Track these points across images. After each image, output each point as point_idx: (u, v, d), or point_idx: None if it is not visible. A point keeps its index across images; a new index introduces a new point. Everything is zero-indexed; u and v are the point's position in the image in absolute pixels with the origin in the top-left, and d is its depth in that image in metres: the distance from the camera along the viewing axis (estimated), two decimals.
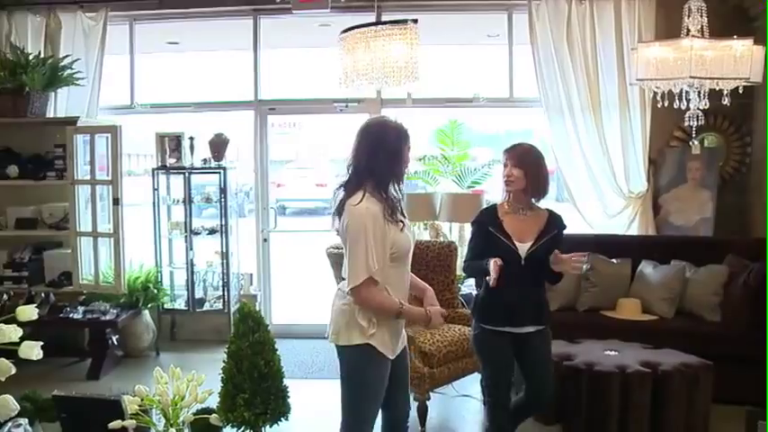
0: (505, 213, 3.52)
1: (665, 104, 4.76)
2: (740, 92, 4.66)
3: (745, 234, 6.09)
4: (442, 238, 5.78)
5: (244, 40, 6.68)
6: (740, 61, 4.49)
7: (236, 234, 6.72)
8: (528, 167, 3.42)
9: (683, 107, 4.74)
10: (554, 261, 3.35)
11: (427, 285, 3.07)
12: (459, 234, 5.80)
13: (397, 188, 2.88)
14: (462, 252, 4.60)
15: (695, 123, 4.79)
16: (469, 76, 7.68)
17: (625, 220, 6.21)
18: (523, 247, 3.43)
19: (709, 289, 5.23)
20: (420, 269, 4.99)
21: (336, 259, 4.75)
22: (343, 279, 2.87)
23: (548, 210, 3.60)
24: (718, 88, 4.66)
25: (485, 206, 3.98)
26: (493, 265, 3.27)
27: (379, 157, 2.78)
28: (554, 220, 3.55)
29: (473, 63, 7.76)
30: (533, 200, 3.50)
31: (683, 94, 4.72)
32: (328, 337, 2.93)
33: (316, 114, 7.77)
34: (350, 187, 2.82)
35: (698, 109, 4.75)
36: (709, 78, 4.46)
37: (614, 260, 5.54)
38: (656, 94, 4.79)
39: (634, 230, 6.19)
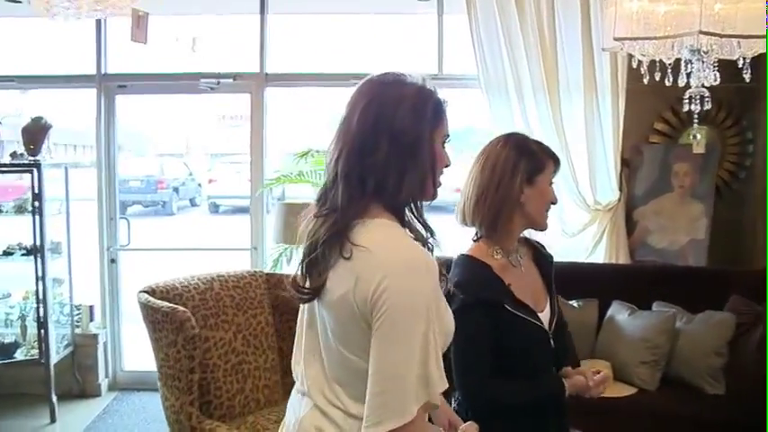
0: (501, 268, 2.10)
1: (651, 79, 3.16)
2: (744, 69, 3.07)
3: (741, 263, 4.56)
4: None
5: None
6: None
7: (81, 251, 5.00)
8: None
9: (679, 84, 3.16)
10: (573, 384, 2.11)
11: None
12: None
13: (419, 210, 1.56)
14: None
15: (699, 108, 3.19)
16: (390, 48, 6.07)
17: (589, 242, 4.62)
18: (545, 318, 2.14)
19: (708, 347, 3.68)
20: (286, 320, 3.37)
21: (152, 317, 3.04)
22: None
23: (523, 237, 2.22)
24: (733, 57, 3.10)
25: (458, 264, 2.15)
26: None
27: (392, 153, 1.44)
28: (540, 254, 2.28)
29: (396, 34, 6.14)
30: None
31: (682, 67, 3.13)
32: None
33: (177, 94, 6.01)
34: (339, 204, 1.46)
35: (703, 86, 3.16)
36: (730, 36, 2.86)
37: (574, 302, 3.94)
38: (638, 65, 3.18)
39: (600, 255, 4.60)
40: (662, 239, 4.60)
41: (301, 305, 1.61)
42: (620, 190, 4.62)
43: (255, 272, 3.55)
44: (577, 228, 4.62)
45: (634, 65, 3.16)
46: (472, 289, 1.98)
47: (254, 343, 3.33)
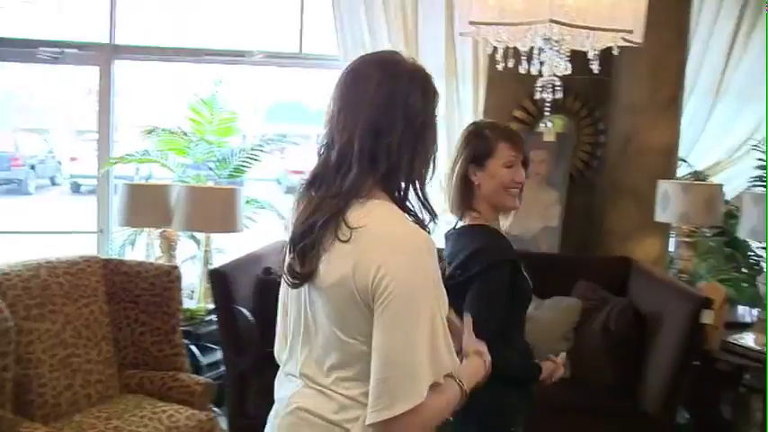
0: None
1: (508, 66, 3.14)
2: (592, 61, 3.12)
3: (591, 249, 4.69)
4: (172, 257, 3.85)
5: None
6: (618, 6, 2.96)
7: None
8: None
9: (533, 72, 3.15)
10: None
11: None
12: (205, 251, 3.87)
13: (423, 192, 1.50)
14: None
15: (550, 96, 3.21)
16: (249, 24, 5.82)
17: (445, 227, 4.59)
18: None
19: (555, 332, 3.74)
20: (124, 308, 3.14)
21: None
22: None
23: None
24: (584, 48, 3.12)
25: (465, 234, 2.27)
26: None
27: (406, 134, 1.43)
28: None
29: (256, 10, 5.89)
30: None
31: (535, 55, 3.12)
32: None
33: (11, 62, 5.49)
34: (346, 188, 1.41)
35: (555, 76, 3.17)
36: (579, 27, 2.87)
37: None
38: (494, 51, 3.15)
39: None
40: (517, 226, 4.60)
41: (282, 290, 1.58)
42: None
43: (90, 257, 3.26)
44: (437, 211, 4.58)
45: (489, 51, 3.12)
46: (498, 249, 2.15)
47: (87, 334, 3.06)
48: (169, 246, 3.83)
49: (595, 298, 3.89)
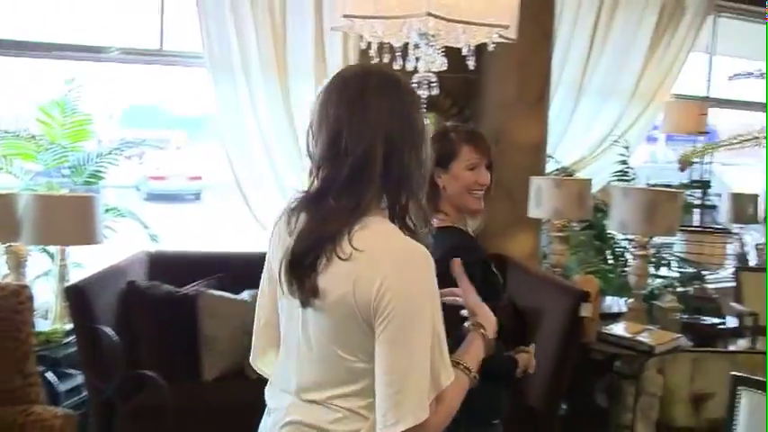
0: None
1: (383, 62, 3.03)
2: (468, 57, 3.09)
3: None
4: (21, 275, 3.46)
5: None
6: (494, 1, 2.93)
7: None
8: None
9: (409, 68, 3.06)
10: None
11: None
12: (61, 265, 3.49)
13: (421, 205, 1.49)
14: None
15: (426, 93, 3.13)
16: (105, 20, 5.42)
17: None
18: None
19: None
20: None
21: None
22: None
23: None
24: (458, 45, 3.07)
25: (458, 233, 2.21)
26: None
27: (411, 149, 1.45)
28: None
29: (113, 4, 5.50)
30: None
31: (410, 51, 3.04)
32: None
33: None
34: (361, 202, 1.40)
35: (431, 72, 3.10)
36: (456, 22, 2.80)
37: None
38: (368, 46, 3.03)
39: None
40: None
41: (263, 302, 1.63)
42: None
43: None
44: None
45: (363, 46, 3.00)
46: (470, 249, 2.06)
47: None
48: (18, 262, 3.44)
49: None
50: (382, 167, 1.40)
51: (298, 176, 4.24)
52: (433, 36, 2.99)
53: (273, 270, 1.51)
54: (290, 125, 4.21)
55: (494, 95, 4.60)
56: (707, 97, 6.23)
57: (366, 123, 1.41)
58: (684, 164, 5.29)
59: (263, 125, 4.18)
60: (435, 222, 2.16)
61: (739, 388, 2.38)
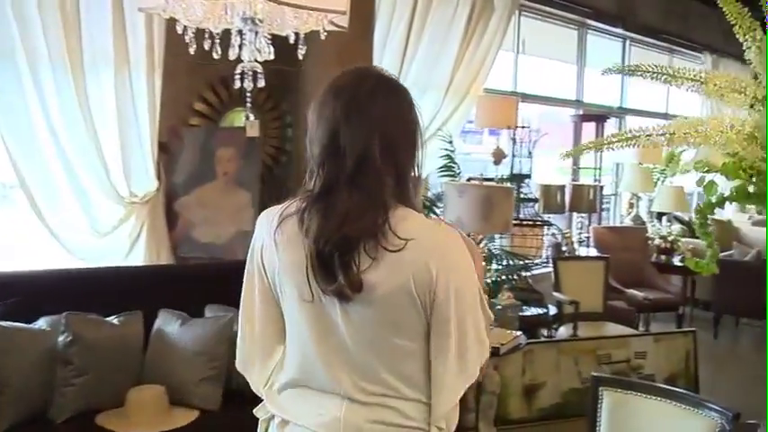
0: None
1: (194, 53, 2.65)
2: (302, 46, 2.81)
3: None
4: None
5: None
6: None
7: None
8: None
9: (230, 57, 2.70)
10: None
11: None
12: None
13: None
14: None
15: (252, 86, 2.81)
16: None
17: (125, 241, 3.92)
18: None
19: None
20: None
21: None
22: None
23: None
24: (282, 32, 2.78)
25: None
26: None
27: (412, 146, 1.57)
28: None
29: None
30: None
31: (233, 38, 2.68)
32: None
33: None
34: (354, 197, 1.47)
35: (256, 61, 2.77)
36: (289, 5, 2.49)
37: (114, 318, 3.24)
38: (184, 31, 2.63)
39: (139, 256, 3.95)
40: (207, 233, 4.16)
41: (262, 309, 1.64)
42: (159, 179, 4.02)
43: None
44: (112, 225, 3.87)
45: (180, 30, 2.59)
46: None
47: None
48: None
49: None
50: (396, 169, 1.49)
51: (96, 173, 3.70)
52: (260, 21, 2.66)
53: (279, 277, 1.55)
54: (87, 121, 3.63)
55: (313, 89, 4.31)
56: (514, 92, 6.42)
57: (362, 122, 1.46)
58: (498, 156, 5.34)
59: (53, 121, 3.57)
60: None
61: (601, 388, 2.39)
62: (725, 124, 1.66)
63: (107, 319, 3.16)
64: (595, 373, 2.45)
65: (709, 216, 1.96)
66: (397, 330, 1.50)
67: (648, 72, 1.81)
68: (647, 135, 1.66)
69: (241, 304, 1.70)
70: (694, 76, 1.80)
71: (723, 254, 7.06)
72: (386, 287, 1.45)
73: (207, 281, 3.70)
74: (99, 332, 3.09)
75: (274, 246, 1.54)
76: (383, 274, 1.45)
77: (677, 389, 2.50)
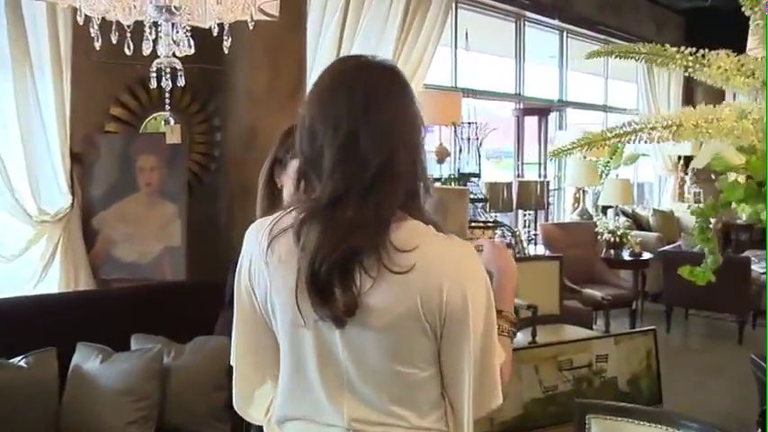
0: None
1: (104, 49, 2.28)
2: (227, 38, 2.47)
3: (223, 269, 4.00)
4: None
5: None
6: None
7: None
8: None
9: (144, 53, 2.33)
10: None
11: None
12: None
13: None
14: None
15: (170, 85, 2.46)
16: None
17: (37, 265, 3.51)
18: None
19: (204, 383, 3.00)
20: None
21: None
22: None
23: None
24: (204, 24, 2.44)
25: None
26: None
27: (410, 145, 1.37)
28: None
29: None
30: None
31: (147, 30, 2.32)
32: None
33: None
34: (388, 208, 1.31)
35: (174, 56, 2.41)
36: None
37: (22, 359, 2.81)
38: (87, 22, 2.25)
39: (53, 282, 3.52)
40: (131, 251, 3.74)
41: (252, 334, 1.46)
42: (73, 194, 3.60)
43: None
44: (19, 248, 3.44)
45: (81, 20, 2.20)
46: None
47: None
48: None
49: None
50: (407, 171, 1.33)
51: (2, 196, 3.27)
52: (176, 9, 2.30)
53: (271, 301, 1.37)
54: None
55: (243, 88, 3.97)
56: (455, 87, 6.18)
57: (384, 125, 1.30)
58: (442, 155, 5.08)
59: None
60: None
61: (588, 416, 2.12)
62: (739, 112, 1.40)
63: (12, 360, 2.73)
64: (579, 399, 2.19)
65: (712, 219, 1.70)
66: (404, 358, 1.34)
67: (643, 54, 1.53)
68: (651, 128, 1.38)
69: (233, 335, 1.48)
70: (696, 59, 1.53)
71: (670, 246, 7.01)
72: (391, 312, 1.29)
73: (132, 306, 3.31)
74: (3, 377, 2.66)
75: (265, 267, 1.35)
76: (388, 298, 1.28)
77: (669, 411, 2.26)
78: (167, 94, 2.65)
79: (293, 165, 1.93)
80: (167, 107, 2.76)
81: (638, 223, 7.59)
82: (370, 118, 1.29)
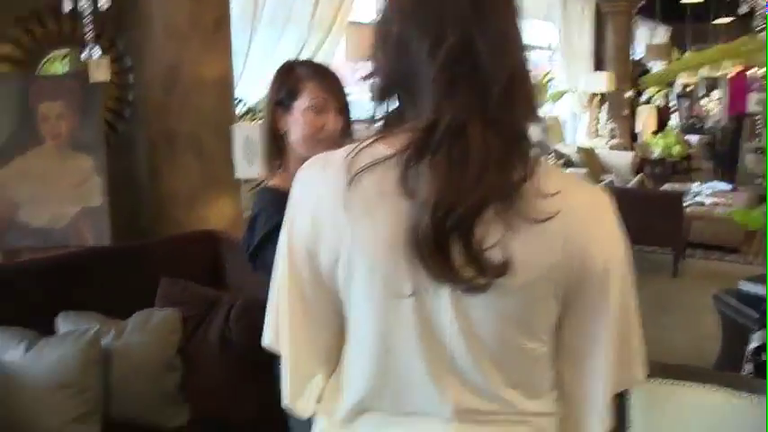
0: None
1: None
2: None
3: (148, 230, 3.52)
4: None
5: None
6: None
7: None
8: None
9: None
10: None
11: None
12: None
13: None
14: None
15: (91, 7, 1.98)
16: None
17: None
18: None
19: (153, 364, 2.54)
20: None
21: None
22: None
23: None
24: None
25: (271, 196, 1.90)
26: None
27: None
28: None
29: None
30: None
31: None
32: None
33: None
34: (492, 140, 1.01)
35: None
36: None
37: None
38: None
39: None
40: (40, 214, 3.15)
41: (318, 314, 1.16)
42: None
43: None
44: None
45: None
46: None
47: None
48: None
49: (194, 298, 2.77)
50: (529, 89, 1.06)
51: None
52: None
53: (349, 265, 1.06)
54: None
55: (160, 22, 3.43)
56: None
57: (501, 29, 1.02)
58: None
59: None
60: (271, 181, 1.90)
61: None
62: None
63: None
64: None
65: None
66: (530, 329, 1.11)
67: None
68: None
69: (281, 313, 1.17)
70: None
71: (602, 183, 6.96)
72: (530, 270, 1.04)
73: (51, 280, 2.76)
74: None
75: (342, 214, 1.05)
76: (526, 252, 1.03)
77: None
78: (89, 19, 2.14)
79: (297, 106, 1.84)
80: (89, 36, 2.22)
81: (573, 163, 7.53)
82: (484, 20, 1.02)
